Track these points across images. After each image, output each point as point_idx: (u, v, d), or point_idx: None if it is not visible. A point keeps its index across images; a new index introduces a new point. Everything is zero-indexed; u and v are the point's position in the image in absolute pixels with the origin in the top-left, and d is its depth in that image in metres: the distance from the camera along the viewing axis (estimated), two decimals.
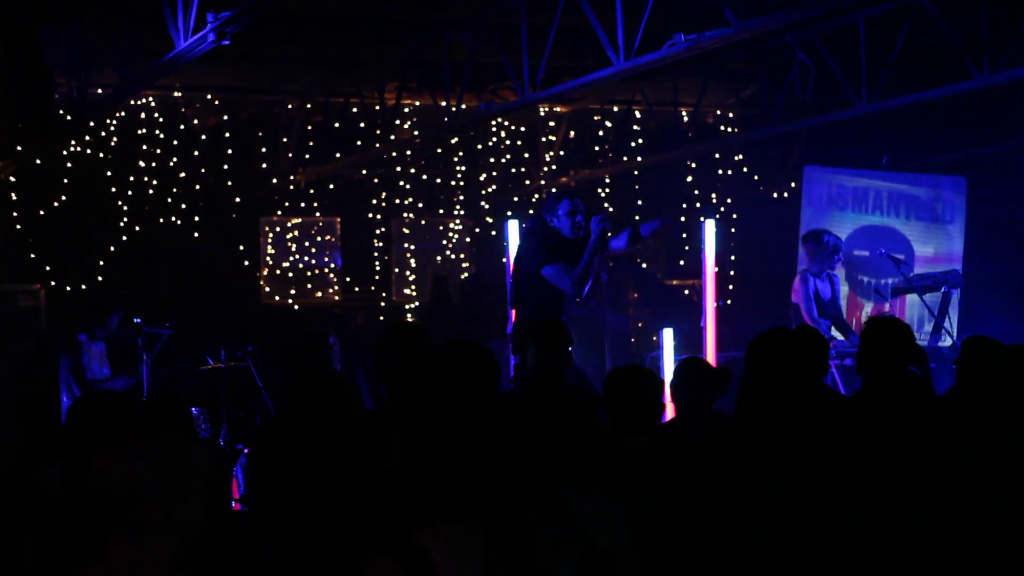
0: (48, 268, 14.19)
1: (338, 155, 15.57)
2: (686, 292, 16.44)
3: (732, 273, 16.45)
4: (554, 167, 16.64)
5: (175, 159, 14.94)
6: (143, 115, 14.81)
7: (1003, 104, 13.88)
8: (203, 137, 15.11)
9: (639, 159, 16.50)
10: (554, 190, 15.21)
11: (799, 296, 11.36)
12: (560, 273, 9.08)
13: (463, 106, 13.81)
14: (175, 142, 14.94)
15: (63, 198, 14.31)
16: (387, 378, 5.67)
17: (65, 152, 14.27)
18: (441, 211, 16.43)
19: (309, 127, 15.68)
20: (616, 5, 10.68)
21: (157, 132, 14.88)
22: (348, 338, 14.73)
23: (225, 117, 15.28)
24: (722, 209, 16.77)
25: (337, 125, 15.60)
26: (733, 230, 16.50)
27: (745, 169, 16.95)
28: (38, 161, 14.01)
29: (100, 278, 14.31)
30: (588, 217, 9.34)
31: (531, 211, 9.68)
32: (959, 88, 12.14)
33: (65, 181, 14.32)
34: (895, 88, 12.64)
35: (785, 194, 16.42)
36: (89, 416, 5.38)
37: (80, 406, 5.54)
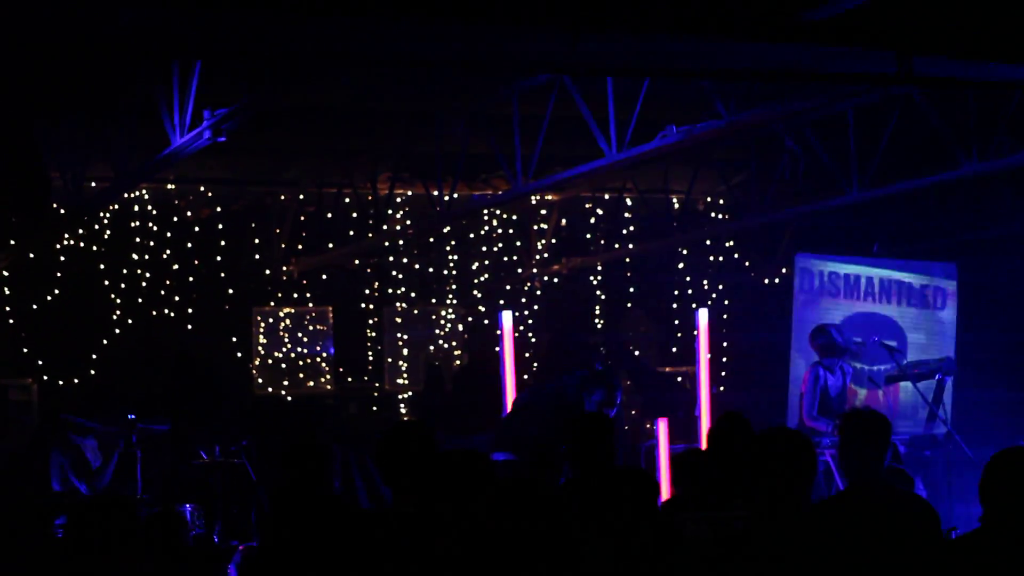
0: (40, 362, 14.15)
1: (331, 245, 15.61)
2: (679, 379, 16.43)
3: (724, 359, 16.46)
4: (546, 255, 16.70)
5: (168, 251, 14.96)
6: (136, 207, 14.85)
7: (991, 191, 13.98)
8: (196, 229, 15.15)
9: (630, 246, 16.56)
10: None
11: (806, 388, 11.36)
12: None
13: (455, 195, 13.88)
14: (168, 234, 14.97)
15: (56, 291, 14.31)
16: (391, 480, 5.63)
17: (59, 246, 14.29)
18: (434, 300, 16.44)
19: (302, 218, 15.73)
20: (608, 97, 10.78)
21: (150, 224, 14.91)
22: (341, 429, 14.71)
23: (218, 208, 15.33)
24: (714, 296, 16.80)
25: (330, 215, 15.65)
26: (725, 316, 16.52)
27: (736, 256, 17.02)
28: (32, 255, 14.03)
29: (92, 372, 14.26)
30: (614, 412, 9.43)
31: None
32: (947, 176, 12.25)
33: (58, 274, 14.33)
34: (885, 176, 12.74)
35: (776, 280, 16.47)
36: (87, 527, 5.37)
37: (79, 516, 5.52)
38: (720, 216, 16.75)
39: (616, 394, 9.66)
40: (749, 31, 7.16)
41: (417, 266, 16.29)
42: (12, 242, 13.73)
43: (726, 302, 16.80)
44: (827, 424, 11.03)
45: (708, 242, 16.75)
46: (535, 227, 16.76)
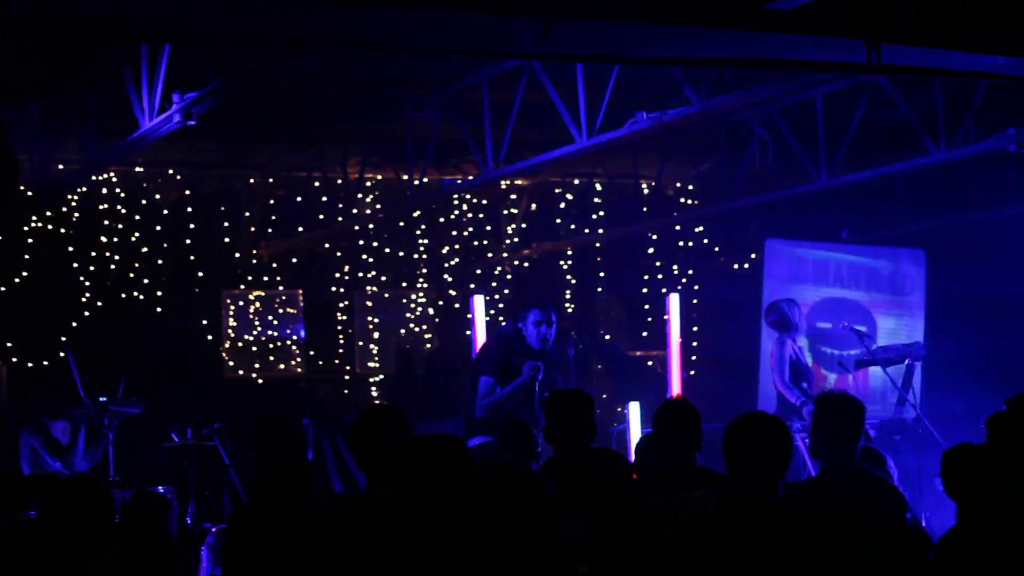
0: (9, 344, 14.10)
1: (301, 228, 15.59)
2: (650, 363, 16.49)
3: (695, 344, 16.52)
4: (516, 240, 16.72)
5: (137, 234, 14.91)
6: (105, 190, 14.80)
7: (960, 178, 14.09)
8: (165, 212, 15.11)
9: (600, 231, 16.60)
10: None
11: (775, 360, 11.41)
12: (484, 391, 9.26)
13: (426, 180, 13.89)
14: (137, 217, 14.92)
15: (25, 274, 14.25)
16: (366, 463, 5.64)
17: (27, 228, 14.23)
18: (404, 284, 16.45)
19: (271, 201, 15.71)
20: (578, 83, 10.80)
21: (119, 207, 14.86)
22: (312, 412, 14.71)
23: (187, 192, 15.29)
24: (684, 281, 16.86)
25: (300, 199, 15.63)
26: (695, 301, 16.58)
27: (706, 241, 17.09)
28: (0, 237, 13.97)
29: (62, 354, 14.22)
30: (552, 329, 9.48)
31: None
32: (915, 163, 12.34)
33: (27, 257, 14.26)
34: (853, 162, 12.82)
35: (746, 265, 16.55)
36: (61, 509, 5.39)
37: (53, 498, 5.54)
38: (689, 202, 16.81)
39: (549, 311, 9.56)
40: (717, 18, 7.19)
41: (387, 250, 16.29)
42: None
43: (696, 287, 16.87)
44: (797, 396, 11.08)
45: (677, 227, 16.81)
46: (505, 212, 16.78)
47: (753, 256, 15.89)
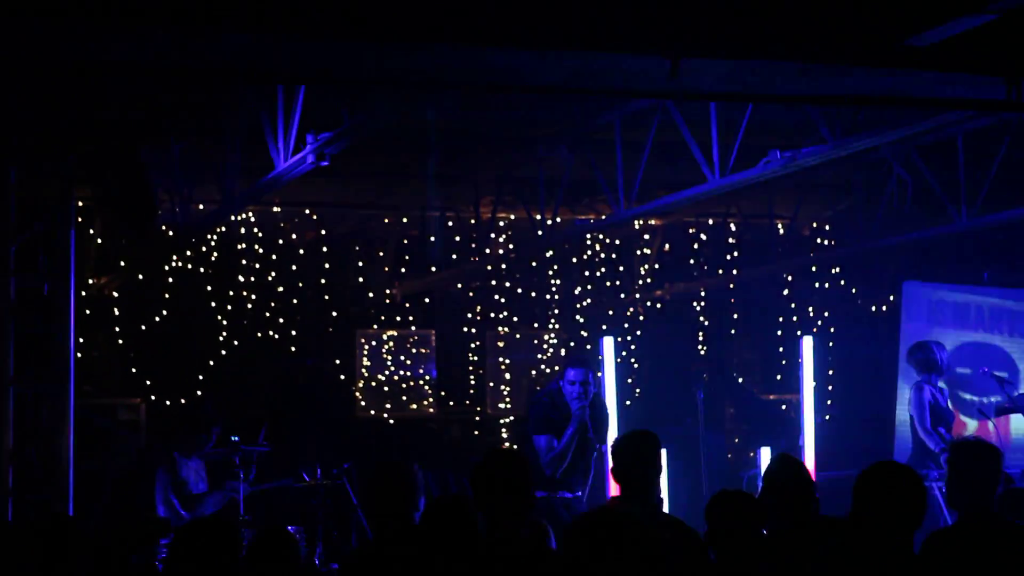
0: (148, 383, 14.36)
1: (433, 268, 15.67)
2: (783, 407, 16.23)
3: (830, 388, 16.22)
4: (649, 280, 16.60)
5: (273, 273, 15.11)
6: (243, 230, 15.03)
7: None
8: (301, 251, 15.30)
9: (734, 272, 16.41)
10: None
11: (914, 407, 11.20)
12: (545, 447, 9.45)
13: (558, 220, 13.88)
14: (273, 256, 15.13)
15: (164, 313, 14.51)
16: (484, 505, 5.63)
17: (166, 268, 14.50)
18: (536, 324, 16.42)
19: (405, 241, 15.81)
20: (711, 122, 10.71)
21: (256, 247, 15.08)
22: (442, 453, 14.74)
23: (323, 231, 15.47)
24: (819, 323, 16.58)
25: (433, 239, 15.71)
26: (831, 344, 16.29)
27: (843, 283, 16.78)
28: (140, 276, 14.26)
29: (199, 393, 14.45)
30: (591, 388, 9.63)
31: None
32: None
33: (166, 296, 14.53)
34: (995, 203, 12.51)
35: (884, 308, 16.22)
36: (191, 550, 5.44)
37: (183, 537, 5.60)
38: (826, 242, 16.54)
39: (586, 371, 9.67)
40: (853, 56, 7.07)
41: (519, 290, 16.29)
42: (122, 263, 13.98)
43: (832, 330, 16.56)
44: (937, 443, 10.84)
45: (813, 268, 16.55)
46: (638, 251, 16.68)
47: (891, 298, 15.58)
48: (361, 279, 15.67)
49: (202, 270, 14.79)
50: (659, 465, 6.59)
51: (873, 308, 16.51)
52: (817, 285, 16.76)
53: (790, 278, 16.66)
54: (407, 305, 15.94)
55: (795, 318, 16.62)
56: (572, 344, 16.43)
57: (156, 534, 9.15)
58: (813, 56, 7.06)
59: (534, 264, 16.22)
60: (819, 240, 16.63)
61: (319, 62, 8.34)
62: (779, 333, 16.55)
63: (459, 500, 5.54)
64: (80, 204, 13.07)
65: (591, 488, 9.92)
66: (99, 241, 14.02)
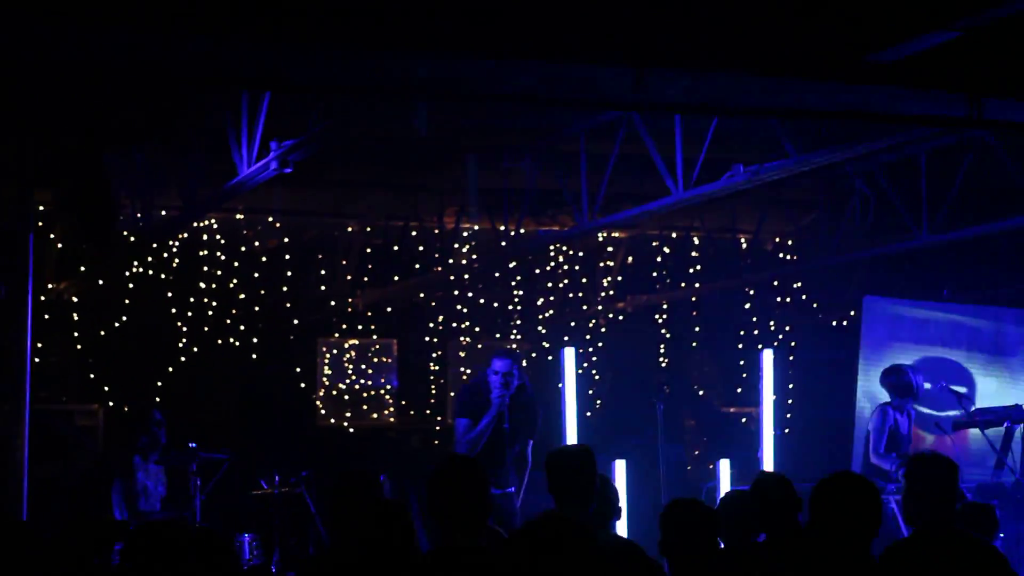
0: (106, 388, 14.26)
1: (396, 278, 15.63)
2: (743, 420, 16.28)
3: (790, 401, 16.29)
4: (611, 292, 16.63)
5: (235, 280, 15.04)
6: (205, 236, 14.95)
7: None
8: (263, 259, 15.23)
9: (697, 285, 16.45)
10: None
11: (872, 427, 11.29)
12: (463, 430, 9.99)
13: (522, 231, 13.88)
14: (235, 263, 15.05)
15: (124, 318, 14.42)
16: (439, 513, 5.59)
17: (127, 273, 14.41)
18: (498, 335, 16.40)
19: (368, 250, 15.77)
20: (676, 135, 10.74)
21: (218, 253, 15.00)
22: (402, 462, 14.69)
23: (286, 239, 15.40)
24: (780, 337, 16.64)
25: (396, 248, 15.68)
26: (791, 358, 16.36)
27: (804, 297, 16.86)
28: (100, 282, 14.16)
29: (158, 399, 14.35)
30: (509, 383, 10.05)
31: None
32: (1020, 221, 12.08)
33: (126, 301, 14.44)
34: (956, 220, 12.60)
35: (844, 323, 16.30)
36: (143, 551, 5.40)
37: (135, 540, 5.56)
38: (788, 257, 16.60)
39: (510, 363, 10.14)
40: (815, 71, 7.10)
41: (482, 300, 16.28)
42: (82, 268, 13.89)
43: (792, 343, 16.64)
44: (892, 463, 10.91)
45: (775, 283, 16.62)
46: (601, 264, 16.70)
47: (852, 313, 15.65)
48: (323, 287, 15.62)
49: (163, 276, 14.69)
50: (593, 479, 6.50)
51: (834, 322, 16.59)
52: (779, 299, 16.83)
53: (752, 292, 16.73)
54: (369, 314, 15.90)
55: (756, 331, 16.68)
56: (534, 355, 16.42)
57: (112, 536, 9.08)
58: (776, 70, 7.09)
59: (497, 275, 16.21)
60: (782, 255, 16.70)
61: (284, 68, 8.32)
62: (740, 346, 16.61)
63: (397, 506, 5.50)
64: (40, 208, 13.01)
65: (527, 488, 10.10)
66: (59, 246, 13.92)
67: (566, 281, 16.55)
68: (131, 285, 14.48)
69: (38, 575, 5.65)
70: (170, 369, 14.56)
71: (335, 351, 15.99)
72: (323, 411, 15.80)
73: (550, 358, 15.99)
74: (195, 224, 14.53)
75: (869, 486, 5.41)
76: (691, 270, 16.63)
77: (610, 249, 16.65)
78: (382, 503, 5.87)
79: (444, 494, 5.49)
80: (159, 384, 14.44)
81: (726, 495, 6.90)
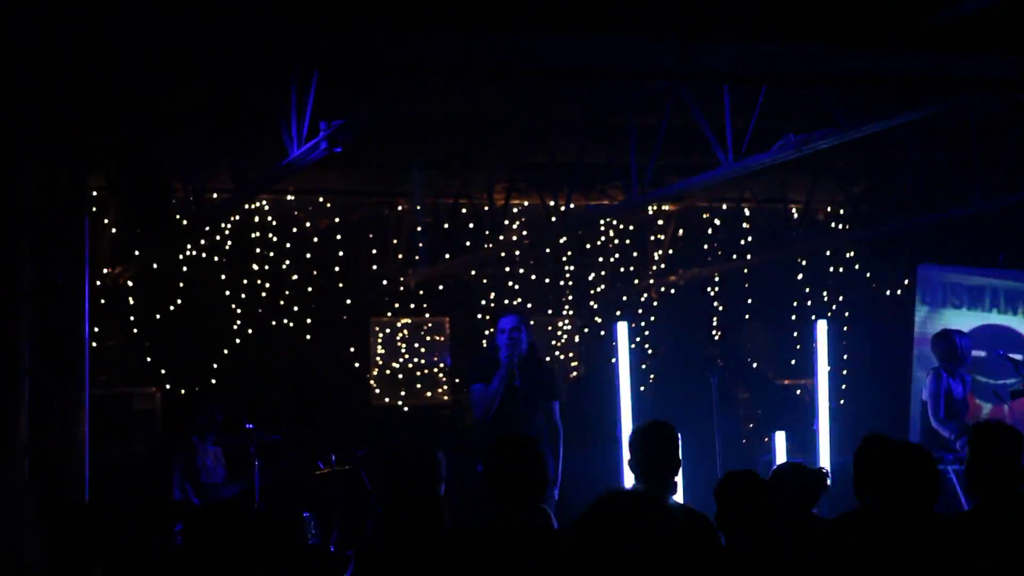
0: (164, 371, 14.39)
1: (447, 256, 15.66)
2: (798, 392, 16.20)
3: (845, 373, 16.21)
4: (663, 266, 16.59)
5: (288, 262, 15.13)
6: (257, 219, 15.05)
7: None
8: (315, 240, 15.31)
9: (748, 257, 16.38)
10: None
11: (928, 393, 11.18)
12: (477, 394, 10.07)
13: (571, 206, 13.86)
14: (288, 245, 15.14)
15: (179, 302, 14.54)
16: (495, 490, 5.60)
17: (181, 256, 14.52)
18: (550, 311, 16.41)
19: (419, 228, 15.81)
20: (725, 106, 10.67)
21: (270, 235, 15.09)
22: (455, 440, 14.74)
23: (337, 220, 15.47)
24: (834, 308, 16.55)
25: (446, 226, 15.71)
26: (846, 328, 16.26)
27: (857, 267, 16.75)
28: (155, 266, 14.28)
29: (214, 381, 14.48)
30: (516, 341, 10.08)
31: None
32: None
33: (181, 285, 14.56)
34: (1010, 185, 12.47)
35: (899, 292, 16.19)
36: (203, 534, 5.48)
37: (196, 521, 5.64)
38: (840, 226, 16.50)
39: (517, 321, 10.24)
40: (864, 36, 7.04)
41: (533, 277, 16.28)
42: (136, 253, 14.01)
43: (847, 314, 16.54)
44: (952, 430, 10.82)
45: (828, 253, 16.51)
46: (652, 237, 16.66)
47: (906, 282, 15.54)
48: (375, 267, 15.68)
49: (216, 259, 14.81)
50: (676, 458, 6.53)
51: (888, 292, 16.47)
52: (831, 269, 16.73)
53: (804, 263, 16.63)
54: (421, 293, 15.94)
55: (809, 303, 16.59)
56: (586, 330, 16.43)
57: (172, 517, 9.19)
58: (823, 37, 7.04)
59: (548, 251, 16.21)
60: (833, 224, 16.59)
61: (333, 48, 8.35)
62: (793, 318, 16.53)
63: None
64: (95, 194, 13.13)
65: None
66: (113, 231, 14.05)
67: (617, 255, 16.52)
68: (185, 268, 14.60)
69: (102, 555, 5.72)
70: (225, 351, 14.68)
71: (388, 330, 16.05)
72: (377, 391, 15.87)
73: (602, 333, 15.99)
74: (247, 207, 14.62)
75: (928, 455, 5.39)
76: (742, 242, 16.57)
77: (660, 222, 16.61)
78: (434, 480, 5.90)
79: (500, 471, 5.50)
80: (215, 366, 14.56)
81: (778, 467, 6.88)
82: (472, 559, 5.22)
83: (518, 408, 9.89)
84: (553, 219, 14.07)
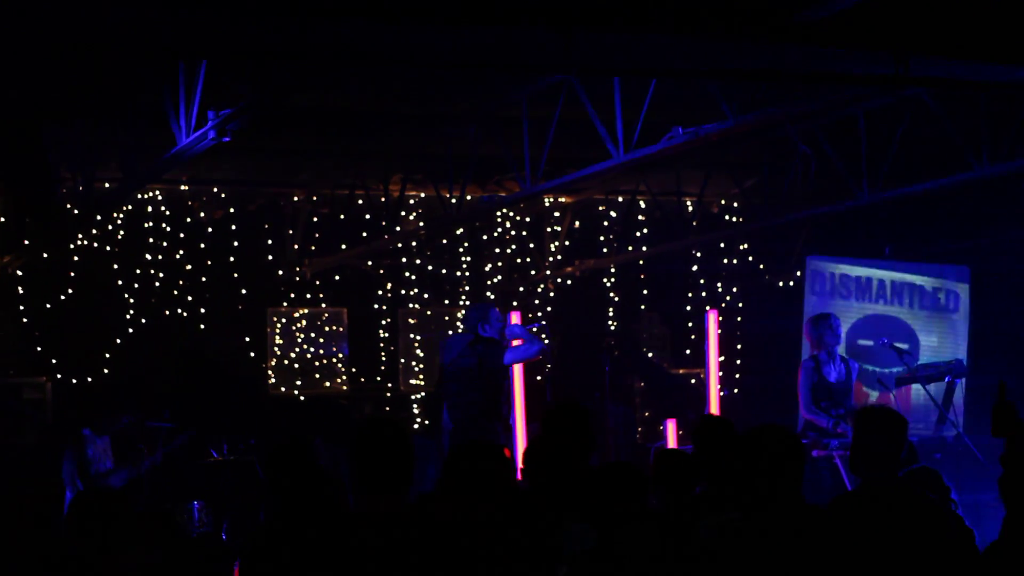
0: (54, 361, 14.24)
1: (344, 246, 15.65)
2: (692, 382, 16.41)
3: (738, 362, 16.43)
4: (559, 257, 16.71)
5: (181, 251, 15.03)
6: (150, 208, 14.93)
7: (1004, 194, 13.91)
8: (209, 229, 15.22)
9: (644, 249, 16.55)
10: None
11: (800, 383, 11.34)
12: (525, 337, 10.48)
13: (467, 197, 13.91)
14: (181, 235, 15.04)
15: (70, 291, 14.38)
16: (362, 477, 5.55)
17: (72, 246, 14.37)
18: (447, 301, 16.47)
19: (315, 219, 15.78)
20: (615, 99, 10.78)
21: (164, 225, 14.98)
22: (354, 430, 14.71)
23: (232, 210, 15.39)
24: (727, 298, 16.77)
25: (343, 217, 15.70)
26: (739, 319, 16.49)
27: (750, 259, 16.98)
28: (45, 255, 14.12)
29: (106, 371, 14.35)
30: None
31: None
32: (959, 179, 12.19)
33: (72, 274, 14.41)
34: (896, 178, 12.70)
35: (791, 283, 16.43)
36: (88, 517, 5.46)
37: (80, 506, 5.62)
38: (733, 219, 16.72)
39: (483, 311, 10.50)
40: (742, 30, 7.16)
41: (430, 267, 16.33)
42: (26, 242, 13.85)
43: (739, 304, 16.78)
44: (827, 420, 10.96)
45: (721, 244, 16.73)
46: (548, 229, 16.77)
47: (798, 273, 15.78)
48: (271, 257, 15.63)
49: (108, 248, 14.66)
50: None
51: (780, 283, 16.72)
52: (725, 261, 16.94)
53: (698, 254, 16.84)
54: (318, 283, 15.92)
55: (704, 293, 16.80)
56: None
57: (59, 503, 9.13)
58: (704, 31, 7.14)
59: (444, 242, 16.26)
60: (727, 217, 16.81)
61: (220, 34, 8.31)
62: (688, 308, 16.73)
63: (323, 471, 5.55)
64: None
65: None
66: (2, 219, 13.87)
67: (514, 247, 16.62)
68: (76, 258, 14.45)
69: None
70: (118, 341, 14.55)
71: (284, 320, 16.01)
72: (274, 380, 15.83)
73: None
74: (140, 196, 14.50)
75: (791, 436, 5.50)
76: (638, 233, 16.74)
77: (557, 215, 16.72)
78: (311, 470, 5.91)
79: (366, 457, 5.46)
80: (107, 356, 14.42)
81: (659, 452, 6.98)
82: (353, 544, 5.24)
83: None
84: (449, 211, 14.12)
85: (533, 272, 16.66)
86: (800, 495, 5.52)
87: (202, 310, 15.06)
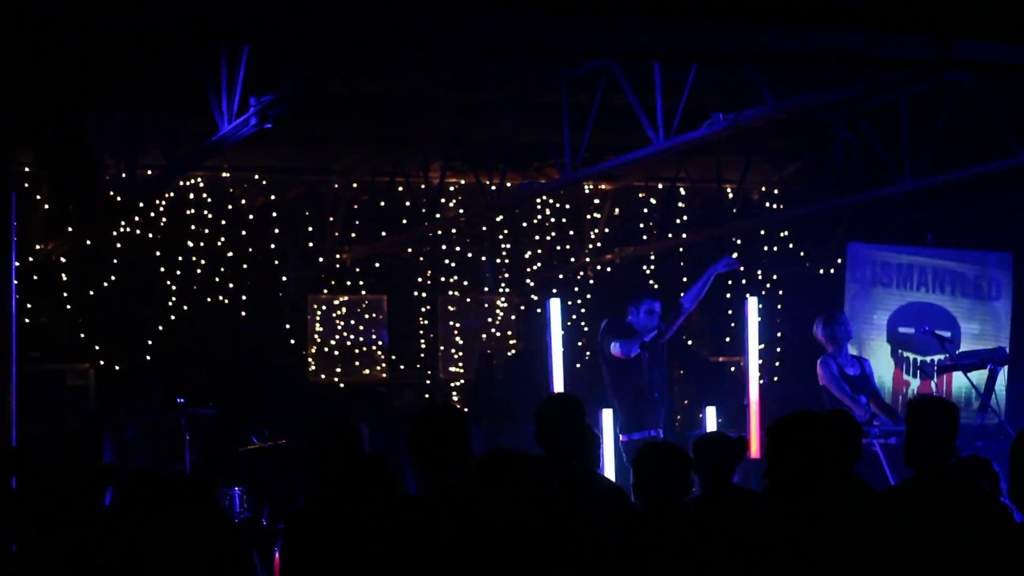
0: (97, 348, 14.34)
1: (384, 233, 15.68)
2: (732, 369, 16.36)
3: (779, 350, 16.36)
4: (599, 244, 16.69)
5: (223, 239, 15.11)
6: (192, 195, 15.01)
7: None
8: (251, 217, 15.29)
9: (684, 236, 16.50)
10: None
11: (825, 379, 11.27)
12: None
13: (507, 184, 13.91)
14: (223, 222, 15.12)
15: (112, 278, 14.49)
16: (420, 459, 5.64)
17: (115, 233, 14.46)
18: (486, 289, 16.48)
19: (355, 206, 15.82)
20: (656, 85, 10.75)
21: (205, 212, 15.06)
22: (393, 416, 14.79)
23: (272, 197, 15.46)
24: (768, 286, 16.70)
25: (383, 204, 15.73)
26: (780, 307, 16.42)
27: (791, 245, 16.91)
28: (88, 242, 14.22)
29: (148, 357, 14.44)
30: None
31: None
32: (1003, 165, 12.09)
33: (115, 261, 14.51)
34: (939, 164, 12.61)
35: (832, 270, 16.36)
36: (133, 498, 5.49)
37: (124, 490, 5.66)
38: (774, 206, 16.65)
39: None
40: (783, 14, 7.12)
41: (470, 255, 16.34)
42: (69, 229, 13.94)
43: (780, 292, 16.70)
44: (864, 410, 10.92)
45: (762, 232, 16.66)
46: (588, 217, 16.75)
47: (839, 260, 15.70)
48: (311, 244, 15.69)
49: (151, 235, 14.76)
50: (579, 429, 6.63)
51: (821, 270, 16.64)
52: (765, 248, 16.87)
53: (739, 241, 16.77)
54: (358, 271, 15.97)
55: (744, 281, 16.73)
56: (523, 308, 16.50)
57: (104, 480, 9.18)
58: (746, 15, 7.12)
59: (484, 229, 16.26)
60: (767, 204, 16.74)
61: (263, 21, 8.33)
62: (728, 296, 16.66)
63: (377, 456, 5.56)
64: (27, 170, 13.06)
65: None
66: (46, 207, 13.97)
67: (553, 234, 16.61)
68: (119, 244, 14.55)
69: (30, 513, 5.73)
70: (160, 328, 14.64)
71: (325, 307, 16.07)
72: (314, 367, 15.89)
73: (539, 311, 16.03)
74: (182, 183, 14.58)
75: (849, 418, 5.48)
76: (678, 220, 16.69)
77: (596, 202, 16.70)
78: (359, 454, 5.94)
79: (424, 440, 5.52)
80: (149, 343, 14.52)
81: (697, 438, 6.96)
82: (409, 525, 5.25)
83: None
84: (488, 197, 14.12)
85: (573, 259, 16.64)
86: (856, 477, 5.51)
87: (243, 297, 15.13)
